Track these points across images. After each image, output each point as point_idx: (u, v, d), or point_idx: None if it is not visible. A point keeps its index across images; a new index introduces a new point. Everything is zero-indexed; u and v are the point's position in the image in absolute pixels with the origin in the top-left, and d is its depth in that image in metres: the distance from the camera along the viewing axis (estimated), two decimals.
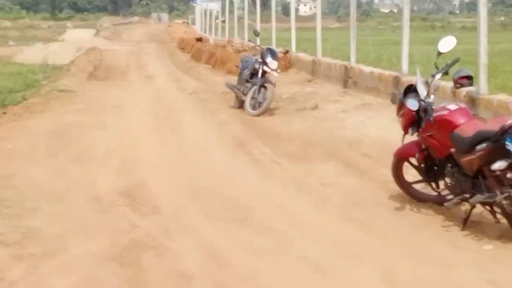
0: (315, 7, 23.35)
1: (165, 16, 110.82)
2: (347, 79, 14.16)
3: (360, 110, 11.65)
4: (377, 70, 13.01)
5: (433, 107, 6.00)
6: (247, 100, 12.39)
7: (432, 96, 6.11)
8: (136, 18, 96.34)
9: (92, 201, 6.62)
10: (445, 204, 5.93)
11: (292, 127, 10.76)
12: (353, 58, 14.40)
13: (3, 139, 9.70)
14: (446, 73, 6.23)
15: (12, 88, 16.30)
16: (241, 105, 12.83)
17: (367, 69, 13.44)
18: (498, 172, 5.24)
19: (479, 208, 5.71)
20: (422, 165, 6.26)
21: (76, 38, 43.59)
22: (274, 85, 12.39)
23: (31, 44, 38.83)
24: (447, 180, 5.94)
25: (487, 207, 5.58)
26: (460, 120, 5.75)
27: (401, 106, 6.30)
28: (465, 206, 5.77)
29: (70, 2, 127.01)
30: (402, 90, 6.54)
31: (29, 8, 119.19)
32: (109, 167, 8.03)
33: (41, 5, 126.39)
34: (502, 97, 8.70)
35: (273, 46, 19.60)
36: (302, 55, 18.86)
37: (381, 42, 25.50)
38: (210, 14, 42.38)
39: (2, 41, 45.78)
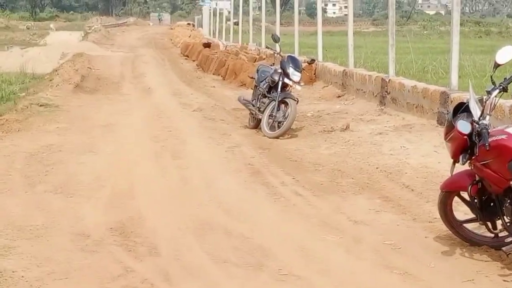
0: (345, 7, 23.45)
1: (166, 16, 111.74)
2: (385, 95, 14.18)
3: (400, 132, 11.64)
4: (420, 85, 13.01)
5: (489, 130, 5.98)
6: (264, 118, 12.43)
7: (487, 117, 6.09)
8: (131, 19, 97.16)
9: (77, 239, 6.65)
10: (503, 248, 5.89)
11: (318, 152, 10.76)
12: (391, 69, 14.43)
13: None
14: (505, 89, 6.21)
15: None
16: (257, 124, 12.86)
17: (408, 83, 13.45)
18: None
19: None
20: (476, 201, 6.23)
21: (60, 41, 44.00)
22: (296, 101, 12.43)
23: (6, 49, 39.27)
24: (506, 219, 5.91)
25: None
26: None
27: (450, 128, 6.29)
28: None
29: None
30: (451, 109, 6.54)
31: (5, 6, 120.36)
32: (97, 199, 8.07)
33: (18, 2, 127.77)
34: None
35: (296, 54, 19.68)
36: (330, 65, 18.92)
37: (426, 50, 25.52)
38: (220, 14, 42.65)
39: None
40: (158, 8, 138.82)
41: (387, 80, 14.18)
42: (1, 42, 55.33)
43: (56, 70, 23.35)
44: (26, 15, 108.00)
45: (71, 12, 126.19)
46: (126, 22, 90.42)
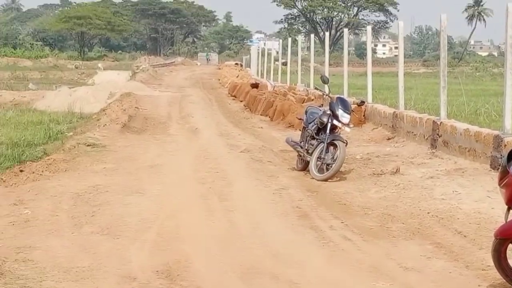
0: (396, 47, 23.43)
1: (214, 56, 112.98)
2: (436, 138, 14.08)
3: (452, 176, 11.53)
4: (473, 128, 12.91)
5: None
6: (313, 161, 12.43)
7: None
8: (179, 59, 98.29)
9: (123, 281, 6.69)
10: None
11: (368, 195, 10.71)
12: (443, 111, 14.35)
13: (20, 203, 9.93)
14: None
15: (31, 140, 16.74)
16: (305, 166, 12.87)
17: (460, 125, 13.35)
18: None
19: None
20: None
21: (108, 81, 44.64)
22: (345, 143, 12.42)
23: (54, 88, 40.04)
24: None
25: None
26: None
27: (504, 174, 6.22)
28: None
29: (102, 38, 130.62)
30: (505, 153, 6.48)
31: (54, 45, 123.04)
32: (144, 241, 8.11)
33: (67, 41, 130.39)
34: None
35: (345, 95, 19.72)
36: (380, 106, 18.88)
37: (478, 92, 25.38)
38: (269, 55, 42.94)
39: (21, 85, 47.30)
40: (206, 48, 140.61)
41: (439, 123, 14.09)
42: (50, 81, 56.56)
43: (104, 110, 23.68)
44: (74, 55, 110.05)
45: (119, 51, 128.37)
46: (173, 62, 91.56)
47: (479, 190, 10.32)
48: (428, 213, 9.36)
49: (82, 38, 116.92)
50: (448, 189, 10.61)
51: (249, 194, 10.83)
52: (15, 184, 11.35)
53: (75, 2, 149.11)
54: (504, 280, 6.43)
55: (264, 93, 28.05)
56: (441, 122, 14.05)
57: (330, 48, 26.93)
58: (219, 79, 51.79)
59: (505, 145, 11.01)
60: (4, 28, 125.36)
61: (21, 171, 12.28)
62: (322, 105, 13.63)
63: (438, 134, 14.03)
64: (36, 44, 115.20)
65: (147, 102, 28.82)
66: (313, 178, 12.17)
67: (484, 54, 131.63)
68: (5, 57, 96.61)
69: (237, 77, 47.24)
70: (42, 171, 12.35)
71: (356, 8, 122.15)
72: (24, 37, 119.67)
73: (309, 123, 13.13)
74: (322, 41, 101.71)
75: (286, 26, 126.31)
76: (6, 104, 31.01)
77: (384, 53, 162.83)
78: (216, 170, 12.81)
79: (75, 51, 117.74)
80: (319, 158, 12.38)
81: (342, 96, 14.68)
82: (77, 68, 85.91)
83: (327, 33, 28.91)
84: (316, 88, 19.55)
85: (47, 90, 38.29)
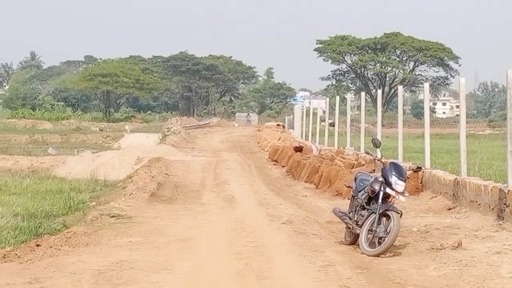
0: (457, 106, 23.37)
1: (253, 117, 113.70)
2: (503, 208, 13.93)
3: None
4: None
5: None
6: (363, 233, 12.35)
7: None
8: (215, 120, 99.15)
9: None
10: None
11: (425, 273, 10.59)
12: (511, 178, 14.21)
13: (35, 281, 9.99)
14: None
15: (50, 211, 16.93)
16: (354, 240, 12.79)
17: None
18: None
19: None
20: None
21: (135, 145, 45.10)
22: (400, 213, 12.33)
23: (76, 153, 40.54)
24: None
25: None
26: None
27: None
28: None
29: (130, 98, 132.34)
30: None
31: (76, 106, 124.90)
32: None
33: (91, 101, 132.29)
34: None
35: (399, 160, 19.65)
36: (439, 173, 18.78)
37: None
38: (314, 114, 43.13)
39: (40, 149, 47.96)
40: (244, 108, 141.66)
41: (506, 191, 13.95)
42: (72, 146, 57.35)
43: (130, 177, 23.88)
44: (99, 116, 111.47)
45: (149, 112, 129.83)
46: (208, 123, 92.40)
47: None
48: None
49: (107, 98, 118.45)
50: None
51: (291, 272, 10.77)
52: (30, 260, 11.43)
53: (100, 59, 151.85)
54: None
55: (308, 157, 28.10)
56: (508, 190, 13.90)
57: (383, 107, 27.02)
58: (258, 142, 52.05)
59: None
60: (22, 87, 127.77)
61: (37, 245, 12.38)
62: (373, 171, 13.57)
63: (505, 204, 13.87)
64: (57, 105, 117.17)
65: (178, 167, 29.00)
66: (363, 253, 12.07)
67: None
68: (23, 119, 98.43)
69: (278, 139, 47.46)
70: (61, 246, 12.43)
71: (412, 63, 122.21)
72: (44, 97, 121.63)
73: (359, 191, 13.08)
74: (374, 99, 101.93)
75: (334, 83, 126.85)
76: (23, 171, 31.48)
77: (444, 112, 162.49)
78: (254, 244, 12.77)
79: (99, 112, 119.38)
80: (370, 230, 12.29)
81: (396, 161, 14.64)
82: (101, 130, 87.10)
83: (379, 91, 29.01)
84: (367, 152, 19.54)
85: (68, 155, 38.84)
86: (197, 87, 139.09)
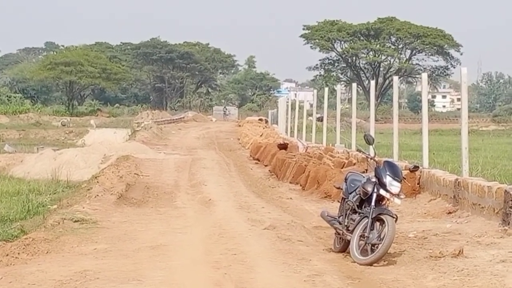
0: (458, 99, 23.44)
1: (233, 110, 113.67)
2: (509, 212, 14.00)
3: None
4: None
5: None
6: (354, 240, 12.37)
7: None
8: (190, 114, 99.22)
9: None
10: None
11: (423, 284, 10.63)
12: None
13: None
14: None
15: (6, 215, 16.87)
16: (344, 247, 12.81)
17: None
18: None
19: None
20: None
21: (101, 141, 45.01)
22: (395, 218, 12.36)
23: (36, 151, 40.41)
24: None
25: None
26: None
27: None
28: None
29: (95, 89, 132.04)
30: None
31: (36, 98, 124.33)
32: None
33: (52, 93, 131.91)
34: None
35: (395, 159, 19.70)
36: (438, 172, 18.84)
37: None
38: (301, 108, 43.18)
39: None
40: (223, 101, 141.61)
41: None
42: (31, 142, 57.16)
43: (96, 177, 23.83)
44: (61, 109, 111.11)
45: (116, 105, 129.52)
46: (183, 117, 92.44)
47: None
48: None
49: (71, 89, 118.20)
50: None
51: (274, 282, 10.78)
52: None
53: (62, 46, 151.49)
54: None
55: (294, 155, 28.12)
56: None
57: (376, 100, 27.07)
58: (238, 139, 52.13)
59: None
60: None
61: None
62: (366, 170, 13.60)
63: (511, 207, 13.94)
64: (15, 97, 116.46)
65: (149, 167, 28.99)
66: (354, 262, 12.09)
67: None
68: None
69: (261, 135, 47.50)
70: (18, 254, 12.40)
71: (409, 51, 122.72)
72: (0, 87, 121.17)
73: (350, 193, 13.10)
74: (366, 91, 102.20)
75: (322, 73, 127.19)
76: None
77: (444, 106, 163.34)
78: (234, 252, 12.79)
79: (62, 105, 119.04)
80: (362, 236, 12.32)
81: (391, 160, 14.66)
82: (64, 125, 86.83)
83: (372, 82, 29.09)
84: (358, 150, 19.57)
85: (27, 153, 38.71)
86: (170, 77, 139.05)
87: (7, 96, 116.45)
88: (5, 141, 58.23)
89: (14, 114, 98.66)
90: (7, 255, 12.26)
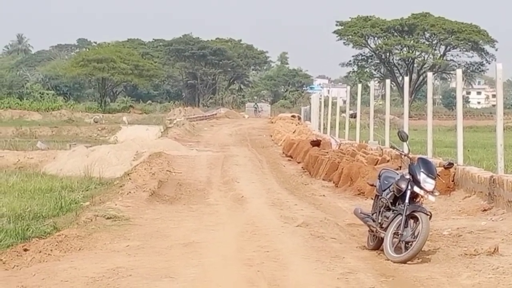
0: (493, 95, 23.27)
1: (265, 107, 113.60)
2: None
3: None
4: None
5: None
6: (388, 237, 12.34)
7: None
8: (222, 110, 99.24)
9: None
10: None
11: (458, 282, 10.58)
12: None
13: None
14: None
15: (39, 212, 16.95)
16: (378, 245, 12.78)
17: None
18: None
19: None
20: None
21: (134, 138, 45.17)
22: (429, 215, 12.32)
23: (68, 147, 40.62)
24: None
25: None
26: None
27: None
28: None
29: (128, 86, 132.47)
30: None
31: (68, 95, 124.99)
32: None
33: (85, 90, 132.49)
34: None
35: (429, 156, 19.61)
36: (473, 170, 18.75)
37: None
38: (333, 105, 43.09)
39: (28, 143, 48.06)
40: (255, 97, 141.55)
41: None
42: (63, 139, 57.51)
43: (128, 174, 23.91)
44: (93, 106, 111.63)
45: (149, 102, 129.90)
46: (215, 114, 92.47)
47: None
48: None
49: (103, 86, 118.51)
50: None
51: (307, 280, 10.78)
52: (17, 266, 11.48)
53: (95, 42, 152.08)
54: None
55: (327, 152, 28.08)
56: None
57: (410, 97, 26.95)
58: (271, 135, 52.07)
59: None
60: (8, 74, 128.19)
61: (25, 250, 12.42)
62: (399, 167, 13.56)
63: None
64: (47, 94, 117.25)
65: (181, 164, 29.04)
66: (388, 260, 12.07)
67: None
68: (9, 110, 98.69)
69: (293, 132, 47.47)
70: (51, 250, 12.47)
71: (443, 47, 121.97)
72: (32, 85, 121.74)
73: (383, 190, 13.06)
74: (400, 88, 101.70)
75: (355, 69, 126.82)
76: (9, 167, 31.57)
77: (479, 102, 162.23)
78: (267, 249, 12.80)
79: (94, 102, 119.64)
80: (396, 234, 12.28)
81: (425, 157, 14.57)
82: (96, 122, 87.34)
83: (406, 78, 28.94)
84: (392, 147, 19.49)
85: (59, 150, 38.90)
86: (202, 74, 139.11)
87: (40, 93, 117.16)
88: (37, 138, 58.62)
89: (47, 111, 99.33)
90: (40, 252, 12.34)
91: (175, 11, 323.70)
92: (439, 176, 13.75)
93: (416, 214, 12.27)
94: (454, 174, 19.25)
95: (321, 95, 53.53)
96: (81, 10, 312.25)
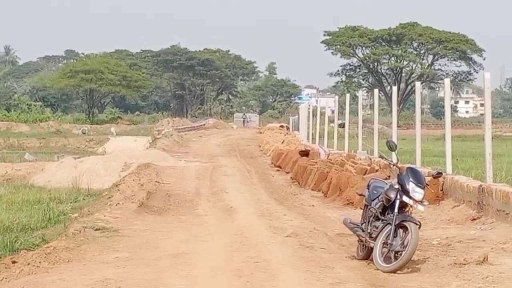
0: (482, 104, 23.38)
1: (254, 117, 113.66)
2: None
3: None
4: None
5: None
6: (377, 247, 12.35)
7: None
8: (210, 121, 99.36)
9: None
10: None
11: None
12: None
13: None
14: None
15: (27, 224, 16.94)
16: (367, 255, 12.79)
17: None
18: None
19: None
20: None
21: (122, 149, 45.09)
22: (418, 224, 12.34)
23: (56, 159, 40.56)
24: None
25: None
26: None
27: None
28: None
29: (116, 97, 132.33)
30: None
31: (56, 106, 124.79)
32: None
33: (73, 101, 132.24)
34: None
35: (417, 165, 19.63)
36: (462, 179, 18.77)
37: None
38: (322, 114, 43.21)
39: (15, 155, 47.99)
40: (244, 107, 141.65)
41: None
42: (51, 150, 57.43)
43: (117, 185, 23.90)
44: (81, 117, 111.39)
45: (137, 112, 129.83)
46: (204, 124, 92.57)
47: None
48: None
49: (91, 97, 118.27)
50: None
51: None
52: (6, 278, 11.44)
53: (82, 54, 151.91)
54: None
55: (316, 162, 28.11)
56: None
57: (398, 106, 27.01)
58: (260, 146, 52.14)
59: None
60: None
61: (13, 262, 12.40)
62: (388, 177, 13.58)
63: None
64: (35, 105, 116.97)
65: (170, 174, 29.04)
66: (378, 269, 12.07)
67: None
68: None
69: (282, 142, 47.53)
70: (40, 262, 12.44)
71: (431, 57, 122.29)
72: (20, 96, 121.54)
73: (373, 200, 13.07)
74: (388, 97, 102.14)
75: (343, 79, 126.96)
76: None
77: (467, 112, 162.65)
78: (256, 260, 12.79)
79: (82, 113, 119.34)
80: (385, 244, 12.29)
81: (413, 166, 14.63)
82: (84, 133, 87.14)
83: (394, 88, 29.08)
84: (381, 156, 19.52)
85: (47, 161, 38.88)
86: (190, 84, 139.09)
87: (28, 104, 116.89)
88: (25, 150, 58.53)
89: (35, 123, 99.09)
90: (29, 264, 12.31)
91: (163, 22, 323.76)
92: (428, 185, 13.77)
93: (405, 223, 12.28)
94: (443, 184, 19.26)
95: (309, 105, 53.58)
96: (69, 21, 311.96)
